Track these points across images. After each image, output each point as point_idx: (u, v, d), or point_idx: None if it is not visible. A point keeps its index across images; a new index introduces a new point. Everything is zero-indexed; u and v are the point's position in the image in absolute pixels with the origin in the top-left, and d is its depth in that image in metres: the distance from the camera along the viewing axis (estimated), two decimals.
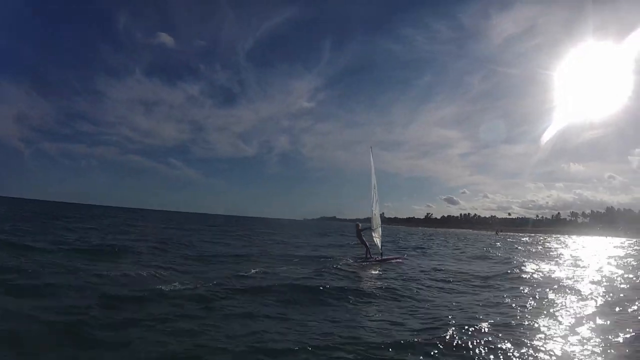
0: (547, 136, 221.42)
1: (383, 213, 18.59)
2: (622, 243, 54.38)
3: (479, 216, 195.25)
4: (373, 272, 13.78)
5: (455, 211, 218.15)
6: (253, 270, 11.45)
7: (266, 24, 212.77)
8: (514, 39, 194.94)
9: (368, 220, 17.03)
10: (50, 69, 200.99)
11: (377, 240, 16.17)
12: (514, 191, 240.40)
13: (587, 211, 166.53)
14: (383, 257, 16.10)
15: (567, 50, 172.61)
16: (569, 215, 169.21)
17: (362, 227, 16.43)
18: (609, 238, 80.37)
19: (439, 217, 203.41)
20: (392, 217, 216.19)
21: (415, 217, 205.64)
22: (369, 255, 15.93)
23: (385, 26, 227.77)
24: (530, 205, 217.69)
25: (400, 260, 16.89)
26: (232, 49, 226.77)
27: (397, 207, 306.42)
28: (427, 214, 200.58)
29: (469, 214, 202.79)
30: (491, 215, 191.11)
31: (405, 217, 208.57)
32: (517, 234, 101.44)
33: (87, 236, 19.59)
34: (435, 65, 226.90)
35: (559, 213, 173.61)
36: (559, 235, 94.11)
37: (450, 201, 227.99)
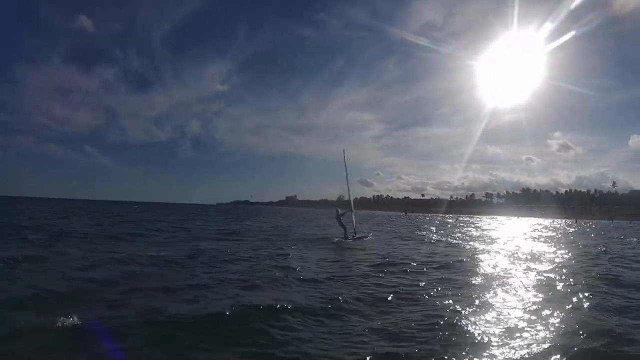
0: (464, 119, 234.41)
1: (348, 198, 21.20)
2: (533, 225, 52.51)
3: (391, 197, 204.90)
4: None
5: (369, 193, 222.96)
6: None
7: (182, 9, 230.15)
8: (432, 25, 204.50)
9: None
10: None
11: (354, 221, 19.60)
12: (429, 172, 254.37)
13: (503, 192, 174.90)
14: (358, 236, 19.11)
15: (486, 37, 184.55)
16: (483, 196, 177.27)
17: (341, 212, 19.41)
18: (524, 219, 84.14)
19: (352, 199, 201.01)
20: (305, 200, 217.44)
21: (328, 199, 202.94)
22: (347, 235, 18.78)
23: (299, 11, 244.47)
24: (445, 187, 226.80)
25: (370, 237, 20.25)
26: (148, 34, 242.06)
27: (310, 190, 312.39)
28: (340, 195, 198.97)
29: (381, 195, 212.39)
30: (404, 197, 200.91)
31: (318, 199, 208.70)
32: (427, 214, 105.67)
33: None
34: (348, 49, 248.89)
35: (473, 194, 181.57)
36: (472, 216, 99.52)
37: (364, 183, 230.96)
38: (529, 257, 13.27)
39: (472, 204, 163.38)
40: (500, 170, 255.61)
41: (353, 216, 19.62)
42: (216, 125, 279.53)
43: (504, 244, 19.18)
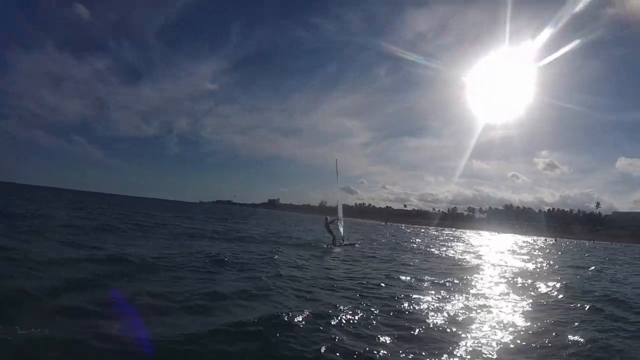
0: (451, 132, 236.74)
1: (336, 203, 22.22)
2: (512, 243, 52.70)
3: (374, 206, 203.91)
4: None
5: (352, 201, 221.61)
6: None
7: (178, 3, 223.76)
8: (425, 35, 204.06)
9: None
10: None
11: (341, 229, 20.48)
12: (413, 183, 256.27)
13: (486, 207, 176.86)
14: (345, 243, 20.11)
15: (479, 51, 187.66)
16: (465, 210, 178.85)
17: (330, 220, 20.41)
18: (506, 235, 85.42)
19: (334, 205, 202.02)
20: (287, 203, 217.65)
21: (311, 204, 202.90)
22: (335, 242, 19.72)
23: (295, 13, 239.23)
24: (429, 199, 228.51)
25: (357, 245, 21.08)
26: (142, 26, 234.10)
27: (293, 194, 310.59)
28: (322, 201, 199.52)
29: (363, 203, 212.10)
30: (387, 206, 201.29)
31: (300, 204, 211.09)
32: (410, 226, 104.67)
33: None
34: (342, 55, 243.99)
35: (455, 207, 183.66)
36: (454, 229, 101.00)
37: (348, 190, 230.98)
38: (518, 274, 13.35)
39: (453, 217, 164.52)
40: (485, 185, 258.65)
41: (340, 225, 20.46)
42: (204, 123, 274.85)
43: (491, 260, 19.39)
